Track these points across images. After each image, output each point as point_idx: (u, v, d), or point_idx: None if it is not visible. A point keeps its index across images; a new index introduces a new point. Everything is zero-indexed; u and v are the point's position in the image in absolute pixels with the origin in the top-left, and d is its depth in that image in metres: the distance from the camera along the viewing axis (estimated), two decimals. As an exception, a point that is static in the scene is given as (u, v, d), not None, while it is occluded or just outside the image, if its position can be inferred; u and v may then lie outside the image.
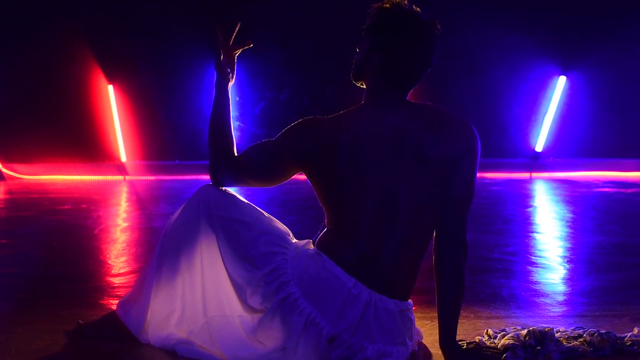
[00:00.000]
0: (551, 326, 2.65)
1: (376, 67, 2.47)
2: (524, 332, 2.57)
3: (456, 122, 2.47)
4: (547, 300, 3.37)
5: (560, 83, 9.58)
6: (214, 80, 2.67)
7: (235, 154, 2.58)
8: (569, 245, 4.88)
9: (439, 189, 2.45)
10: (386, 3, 2.48)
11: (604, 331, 2.66)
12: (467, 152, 2.45)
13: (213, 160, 2.59)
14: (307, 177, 2.54)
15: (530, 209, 6.94)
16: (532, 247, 4.86)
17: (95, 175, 9.25)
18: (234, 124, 2.63)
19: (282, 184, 2.60)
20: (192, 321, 2.55)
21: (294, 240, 2.58)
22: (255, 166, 2.54)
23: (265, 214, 2.60)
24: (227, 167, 2.56)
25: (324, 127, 2.48)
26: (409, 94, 2.52)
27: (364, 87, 2.54)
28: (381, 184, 2.44)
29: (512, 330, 2.69)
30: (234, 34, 2.66)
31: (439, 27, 2.46)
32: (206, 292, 2.53)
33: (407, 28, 2.44)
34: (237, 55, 2.68)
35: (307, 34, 9.48)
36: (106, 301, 3.31)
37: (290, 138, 2.51)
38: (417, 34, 2.44)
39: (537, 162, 9.60)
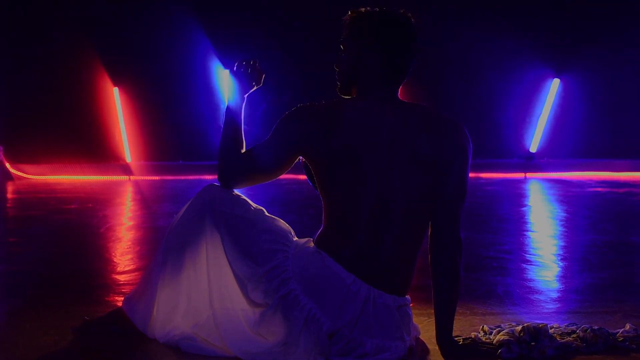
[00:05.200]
0: (545, 322, 2.67)
1: (377, 69, 2.52)
2: (519, 328, 2.59)
3: (449, 123, 2.53)
4: (542, 297, 3.41)
5: (554, 85, 9.64)
6: (227, 102, 2.68)
7: (242, 158, 2.59)
8: (562, 244, 4.92)
9: (432, 187, 2.50)
10: (359, 9, 2.55)
11: (596, 327, 2.68)
12: (460, 152, 2.51)
13: (223, 166, 2.60)
14: (307, 161, 2.56)
15: (524, 208, 6.98)
16: (526, 245, 4.90)
17: (100, 175, 9.29)
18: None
19: (283, 181, 2.64)
20: (197, 313, 2.56)
21: (295, 239, 2.62)
22: (266, 168, 2.57)
23: (268, 213, 2.64)
24: (237, 172, 2.58)
25: (318, 111, 2.52)
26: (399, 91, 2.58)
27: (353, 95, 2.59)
28: (377, 182, 2.48)
29: (507, 326, 2.70)
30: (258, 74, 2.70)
31: (412, 19, 2.53)
32: (211, 286, 2.55)
33: (392, 25, 2.50)
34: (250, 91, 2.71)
35: (307, 36, 9.51)
36: (112, 298, 3.33)
37: (288, 123, 2.54)
38: (402, 29, 2.51)
39: (531, 162, 9.65)
